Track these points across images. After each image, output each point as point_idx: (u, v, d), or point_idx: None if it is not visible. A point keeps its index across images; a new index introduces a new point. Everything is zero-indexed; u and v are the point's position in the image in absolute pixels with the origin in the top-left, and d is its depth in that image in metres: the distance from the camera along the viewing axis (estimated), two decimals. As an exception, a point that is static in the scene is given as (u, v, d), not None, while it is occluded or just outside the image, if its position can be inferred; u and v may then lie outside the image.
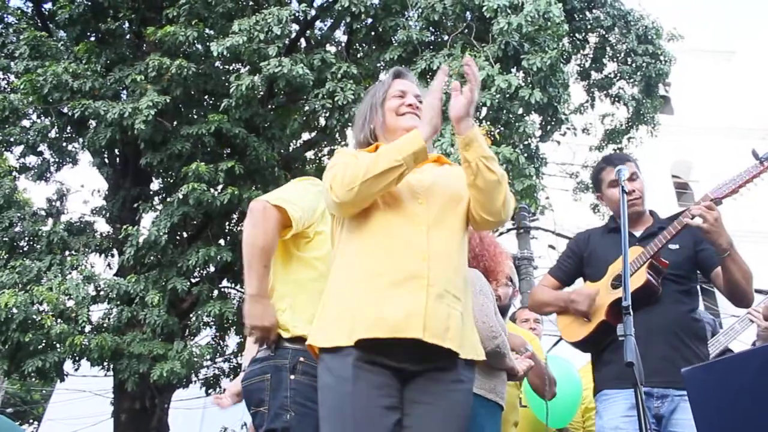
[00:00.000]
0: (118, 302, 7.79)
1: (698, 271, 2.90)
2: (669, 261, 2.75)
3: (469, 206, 2.15)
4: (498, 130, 7.52)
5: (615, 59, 10.26)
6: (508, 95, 7.14)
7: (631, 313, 2.09)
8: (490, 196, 2.07)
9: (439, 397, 1.95)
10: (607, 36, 10.06)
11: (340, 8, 7.95)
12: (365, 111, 2.34)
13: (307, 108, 8.07)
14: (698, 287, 2.93)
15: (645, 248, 2.73)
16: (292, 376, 2.32)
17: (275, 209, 2.37)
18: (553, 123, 8.32)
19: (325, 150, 10.23)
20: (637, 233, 2.88)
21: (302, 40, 9.66)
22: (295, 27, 8.92)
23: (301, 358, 2.32)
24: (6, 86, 9.43)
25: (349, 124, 7.14)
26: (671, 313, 2.72)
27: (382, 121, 2.28)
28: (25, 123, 9.03)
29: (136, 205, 8.71)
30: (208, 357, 8.43)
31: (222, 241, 8.78)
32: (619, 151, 10.23)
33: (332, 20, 9.29)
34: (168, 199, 8.30)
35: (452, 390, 1.97)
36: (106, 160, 9.68)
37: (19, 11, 9.85)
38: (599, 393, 2.81)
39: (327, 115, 8.12)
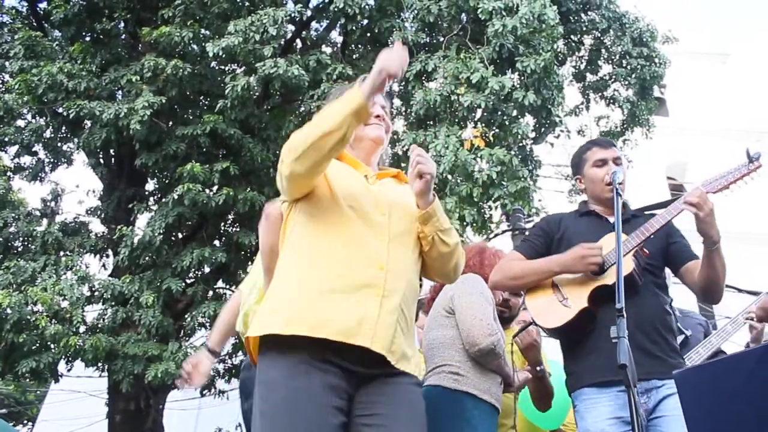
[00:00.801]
0: (113, 303, 7.78)
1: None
2: (647, 251, 2.69)
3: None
4: (492, 132, 7.54)
5: (610, 61, 10.28)
6: (502, 97, 7.15)
7: (625, 315, 2.06)
8: (441, 264, 2.18)
9: (399, 396, 1.95)
10: (602, 38, 10.08)
11: (335, 9, 7.95)
12: None
13: (302, 109, 8.07)
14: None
15: (629, 236, 2.64)
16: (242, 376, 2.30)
17: None
18: (546, 125, 8.34)
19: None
20: (612, 219, 2.75)
21: (298, 40, 9.66)
22: (290, 28, 8.92)
23: None
24: (1, 86, 9.39)
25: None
26: (651, 306, 2.66)
27: None
28: (20, 123, 9.00)
29: (131, 205, 8.68)
30: (203, 358, 8.40)
31: (217, 242, 8.77)
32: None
33: (328, 21, 9.29)
34: (163, 200, 8.29)
35: (409, 392, 1.98)
36: (101, 161, 9.67)
37: (14, 11, 9.82)
38: (578, 391, 2.66)
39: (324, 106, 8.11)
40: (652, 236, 2.65)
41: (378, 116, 2.28)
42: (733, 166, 2.62)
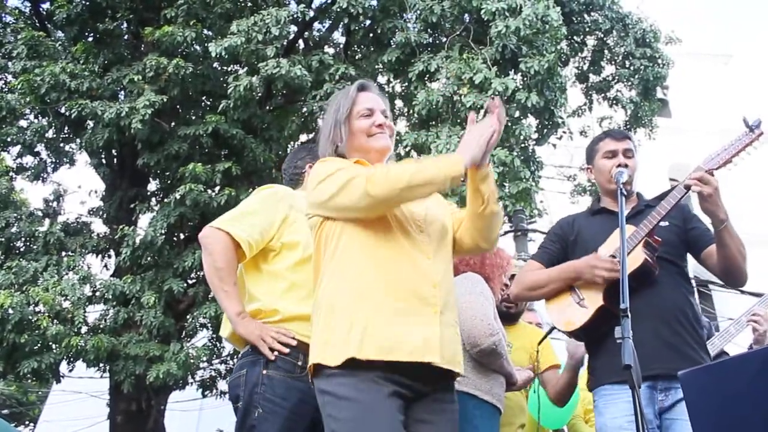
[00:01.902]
0: (114, 303, 7.77)
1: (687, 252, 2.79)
2: (661, 238, 2.64)
3: (454, 234, 2.25)
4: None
5: (613, 62, 10.29)
6: (504, 98, 7.15)
7: (629, 315, 2.02)
8: (492, 227, 2.20)
9: (441, 417, 2.05)
10: (605, 39, 10.09)
11: (338, 9, 7.95)
12: (330, 127, 2.28)
13: (304, 110, 8.06)
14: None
15: (637, 227, 2.61)
16: (265, 371, 2.31)
17: (222, 231, 2.42)
18: (549, 126, 8.34)
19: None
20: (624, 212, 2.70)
21: (300, 41, 9.66)
22: (293, 28, 8.91)
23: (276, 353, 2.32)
24: (3, 86, 9.40)
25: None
26: (672, 297, 2.63)
27: (346, 138, 2.23)
28: (23, 123, 9.00)
29: (132, 205, 8.68)
30: (205, 359, 8.42)
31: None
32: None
33: (330, 21, 9.29)
34: (165, 200, 8.28)
35: (450, 411, 2.08)
36: (104, 161, 9.66)
37: (17, 11, 9.82)
38: (599, 387, 2.66)
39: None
40: (661, 222, 2.61)
41: (380, 125, 2.26)
42: (733, 138, 2.56)
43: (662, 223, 2.63)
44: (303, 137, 9.69)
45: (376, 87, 2.42)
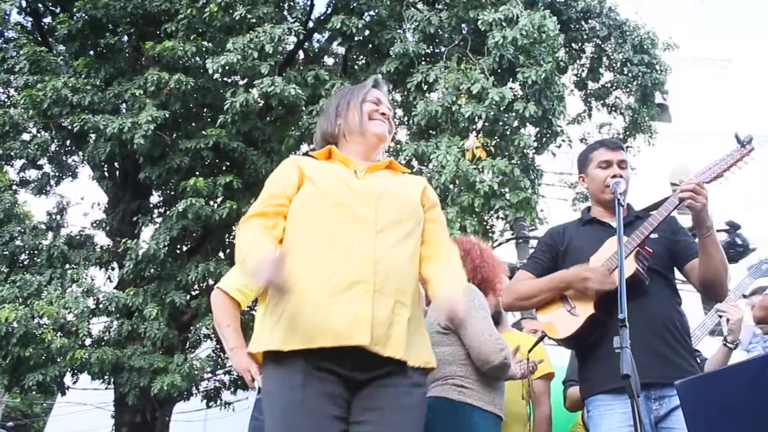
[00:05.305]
0: (118, 315, 7.80)
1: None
2: (651, 250, 2.66)
3: (425, 215, 2.20)
4: (494, 143, 7.55)
5: (611, 69, 10.30)
6: (502, 108, 7.18)
7: (627, 325, 2.03)
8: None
9: (392, 402, 1.92)
10: (603, 46, 10.10)
11: (332, 28, 8.01)
12: (340, 105, 2.35)
13: (301, 123, 8.09)
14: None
15: (629, 236, 2.61)
16: (258, 396, 2.56)
17: (217, 289, 2.91)
18: (548, 135, 8.35)
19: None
20: (614, 223, 2.67)
21: (300, 51, 9.70)
22: (292, 39, 8.95)
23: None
24: (6, 101, 9.46)
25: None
26: (662, 308, 2.64)
27: (356, 119, 2.28)
28: (26, 137, 9.06)
29: (135, 218, 8.72)
30: (209, 370, 8.44)
31: (221, 255, 8.78)
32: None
33: (330, 32, 9.33)
34: (167, 213, 8.32)
35: (405, 394, 1.95)
36: (106, 174, 9.71)
37: (19, 26, 9.89)
38: (593, 397, 2.63)
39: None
40: (652, 234, 2.63)
41: (384, 114, 2.32)
42: (725, 153, 2.59)
43: (652, 235, 2.65)
44: (304, 147, 9.73)
45: (387, 89, 2.48)
